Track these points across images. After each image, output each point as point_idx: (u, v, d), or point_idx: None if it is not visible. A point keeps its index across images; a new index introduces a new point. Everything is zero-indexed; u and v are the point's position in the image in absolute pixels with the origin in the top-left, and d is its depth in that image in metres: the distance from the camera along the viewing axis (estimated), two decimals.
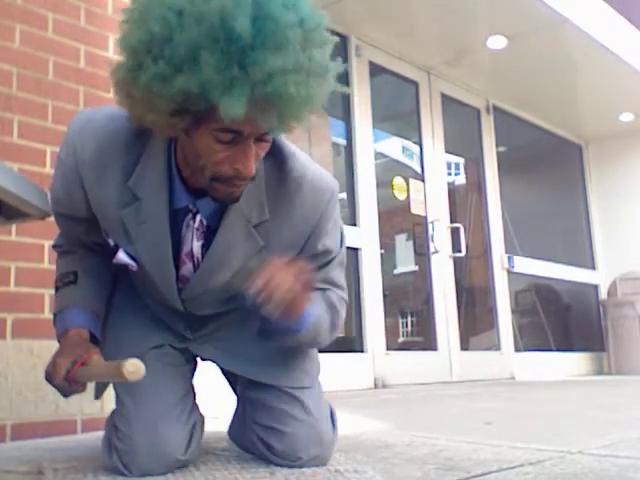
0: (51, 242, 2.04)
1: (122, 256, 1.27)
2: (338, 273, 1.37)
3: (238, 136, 1.07)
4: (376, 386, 4.13)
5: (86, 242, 1.38)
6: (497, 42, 4.87)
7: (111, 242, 1.28)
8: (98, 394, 1.48)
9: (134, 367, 1.06)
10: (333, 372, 2.20)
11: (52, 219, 1.36)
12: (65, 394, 1.24)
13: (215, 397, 2.37)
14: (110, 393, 1.45)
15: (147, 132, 1.18)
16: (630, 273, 6.12)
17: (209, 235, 1.25)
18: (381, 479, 1.19)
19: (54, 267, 2.06)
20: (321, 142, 5.46)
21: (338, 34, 4.62)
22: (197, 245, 1.27)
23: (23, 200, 1.17)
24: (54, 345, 1.98)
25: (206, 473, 1.25)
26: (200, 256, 1.27)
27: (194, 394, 1.46)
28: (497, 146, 5.84)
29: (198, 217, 1.25)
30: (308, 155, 1.33)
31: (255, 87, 0.98)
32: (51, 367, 1.22)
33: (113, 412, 1.39)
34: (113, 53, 2.33)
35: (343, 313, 1.39)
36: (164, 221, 1.23)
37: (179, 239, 1.27)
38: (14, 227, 1.95)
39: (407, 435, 1.73)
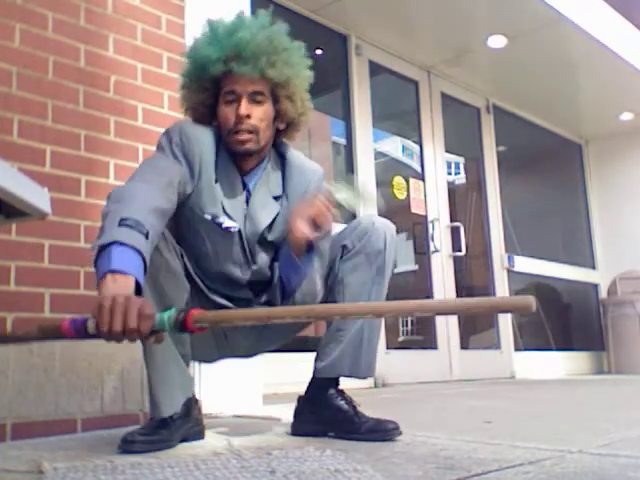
0: (51, 242, 2.05)
1: (228, 221, 1.66)
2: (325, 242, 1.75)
3: (234, 95, 1.67)
4: (376, 385, 4.13)
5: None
6: (497, 41, 4.87)
7: (208, 217, 1.65)
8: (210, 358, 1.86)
9: None
10: None
11: (52, 218, 1.36)
12: (135, 340, 1.16)
13: (217, 396, 2.38)
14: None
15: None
16: (630, 272, 6.12)
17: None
18: (381, 478, 1.19)
19: (54, 266, 2.06)
20: (321, 141, 5.45)
21: (338, 33, 4.62)
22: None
23: (23, 199, 1.17)
24: (54, 344, 1.98)
25: (206, 472, 1.25)
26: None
27: None
28: (497, 145, 5.84)
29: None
30: (307, 154, 1.87)
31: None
32: (125, 317, 1.11)
33: None
34: (113, 52, 2.33)
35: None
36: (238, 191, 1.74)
37: None
38: (14, 226, 1.95)
39: (407, 434, 1.73)
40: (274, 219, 1.73)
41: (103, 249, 1.24)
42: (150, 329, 1.15)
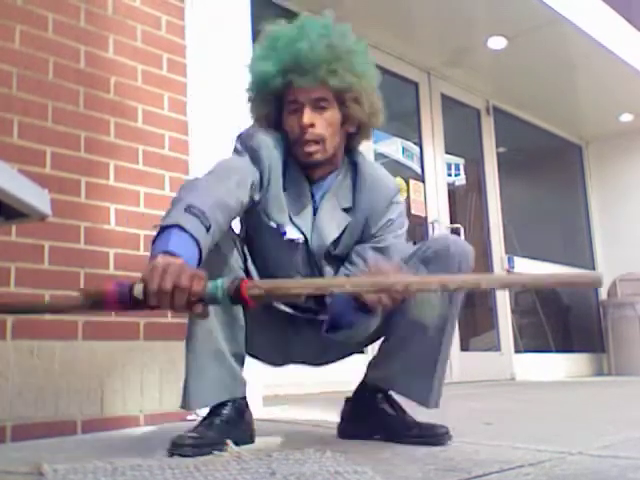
0: (51, 243, 2.05)
1: (293, 232, 1.61)
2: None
3: (297, 104, 1.61)
4: None
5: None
6: (497, 42, 4.88)
7: (274, 225, 1.60)
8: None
9: None
10: (332, 373, 2.20)
11: (52, 219, 1.36)
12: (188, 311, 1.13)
13: None
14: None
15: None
16: (630, 274, 6.12)
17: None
18: None
19: (54, 268, 2.06)
20: None
21: None
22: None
23: (23, 201, 1.17)
24: (54, 346, 1.98)
25: (206, 474, 1.25)
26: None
27: None
28: (497, 147, 5.84)
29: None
30: None
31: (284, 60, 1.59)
32: (177, 277, 1.09)
33: None
34: (113, 53, 2.34)
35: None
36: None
37: None
38: (14, 228, 1.95)
39: None
40: (342, 233, 1.65)
41: (164, 230, 1.26)
42: (202, 293, 1.11)
